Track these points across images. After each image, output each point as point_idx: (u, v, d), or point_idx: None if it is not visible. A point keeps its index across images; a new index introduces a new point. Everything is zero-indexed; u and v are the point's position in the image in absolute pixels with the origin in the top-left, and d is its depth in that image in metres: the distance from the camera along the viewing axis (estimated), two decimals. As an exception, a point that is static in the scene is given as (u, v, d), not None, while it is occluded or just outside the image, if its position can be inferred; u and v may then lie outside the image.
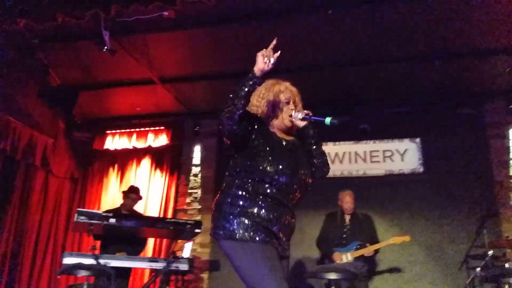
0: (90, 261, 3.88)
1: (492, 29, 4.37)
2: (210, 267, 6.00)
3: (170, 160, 6.74)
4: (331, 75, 5.33)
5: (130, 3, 3.90)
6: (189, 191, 6.53)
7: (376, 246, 4.72)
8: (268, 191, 2.03)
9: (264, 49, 1.97)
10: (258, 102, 2.25)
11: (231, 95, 2.00)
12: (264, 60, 1.96)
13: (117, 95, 6.21)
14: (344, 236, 4.81)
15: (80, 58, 5.16)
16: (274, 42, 1.99)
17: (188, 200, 6.49)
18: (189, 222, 4.43)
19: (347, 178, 5.95)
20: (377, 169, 5.91)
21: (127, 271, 4.83)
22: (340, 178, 5.94)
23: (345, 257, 4.65)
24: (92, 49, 4.59)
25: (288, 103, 2.25)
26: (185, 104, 6.31)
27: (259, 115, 2.23)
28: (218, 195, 2.16)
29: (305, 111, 2.23)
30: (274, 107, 2.23)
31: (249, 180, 2.06)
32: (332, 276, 4.21)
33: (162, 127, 6.74)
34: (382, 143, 6.00)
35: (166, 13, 4.02)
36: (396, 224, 5.53)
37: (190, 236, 4.63)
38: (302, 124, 2.23)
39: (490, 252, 4.45)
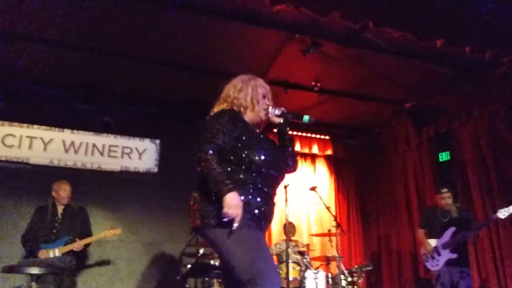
0: None
1: (234, 56, 4.97)
2: None
3: None
4: (76, 59, 4.97)
5: None
6: None
7: (87, 240, 4.58)
8: (256, 180, 2.07)
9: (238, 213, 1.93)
10: (236, 94, 2.27)
11: (214, 175, 1.97)
12: (232, 215, 1.90)
13: None
14: (54, 231, 4.54)
15: None
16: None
17: None
18: None
19: (80, 170, 5.66)
20: (113, 164, 5.84)
21: None
22: (72, 169, 5.61)
23: (52, 253, 4.39)
24: None
25: (264, 97, 2.31)
26: None
27: (234, 107, 2.24)
28: (199, 186, 2.10)
29: (281, 108, 2.29)
30: (252, 100, 2.26)
31: (237, 170, 2.06)
32: (34, 270, 3.94)
33: None
34: (123, 139, 5.98)
35: None
36: (122, 222, 5.53)
37: None
38: (277, 120, 2.29)
39: (201, 250, 5.00)
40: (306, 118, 2.23)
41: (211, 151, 2.00)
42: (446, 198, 4.83)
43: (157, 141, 6.12)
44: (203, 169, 1.99)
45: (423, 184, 6.13)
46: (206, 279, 4.86)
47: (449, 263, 4.56)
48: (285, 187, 4.80)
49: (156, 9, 4.08)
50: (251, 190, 2.05)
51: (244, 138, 2.12)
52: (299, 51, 4.51)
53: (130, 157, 5.94)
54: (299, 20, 4.11)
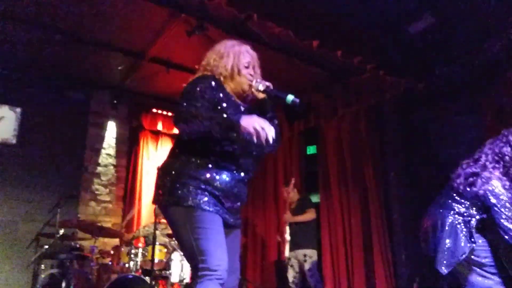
0: None
1: (114, 26, 4.68)
2: None
3: None
4: None
5: None
6: None
7: None
8: (227, 157, 1.95)
9: (265, 131, 1.81)
10: (215, 62, 2.12)
11: (209, 121, 1.81)
12: (258, 135, 1.80)
13: None
14: None
15: None
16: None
17: None
18: None
19: None
20: (-38, 132, 5.11)
21: None
22: None
23: None
24: None
25: (247, 67, 2.14)
26: None
27: (214, 75, 2.07)
28: (167, 159, 2.05)
29: (266, 82, 2.12)
30: (233, 69, 2.09)
31: (207, 145, 1.93)
32: None
33: None
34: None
35: None
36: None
37: None
38: (261, 96, 2.14)
39: (61, 231, 4.67)
40: (289, 98, 2.01)
41: (194, 109, 1.86)
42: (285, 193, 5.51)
43: (18, 109, 5.49)
44: (195, 125, 1.83)
45: (290, 175, 6.54)
46: (65, 260, 4.57)
47: (292, 248, 5.19)
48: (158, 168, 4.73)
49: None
50: (220, 170, 1.95)
51: (221, 106, 1.98)
52: (183, 32, 4.44)
53: (-17, 125, 5.24)
54: (186, 0, 4.04)
